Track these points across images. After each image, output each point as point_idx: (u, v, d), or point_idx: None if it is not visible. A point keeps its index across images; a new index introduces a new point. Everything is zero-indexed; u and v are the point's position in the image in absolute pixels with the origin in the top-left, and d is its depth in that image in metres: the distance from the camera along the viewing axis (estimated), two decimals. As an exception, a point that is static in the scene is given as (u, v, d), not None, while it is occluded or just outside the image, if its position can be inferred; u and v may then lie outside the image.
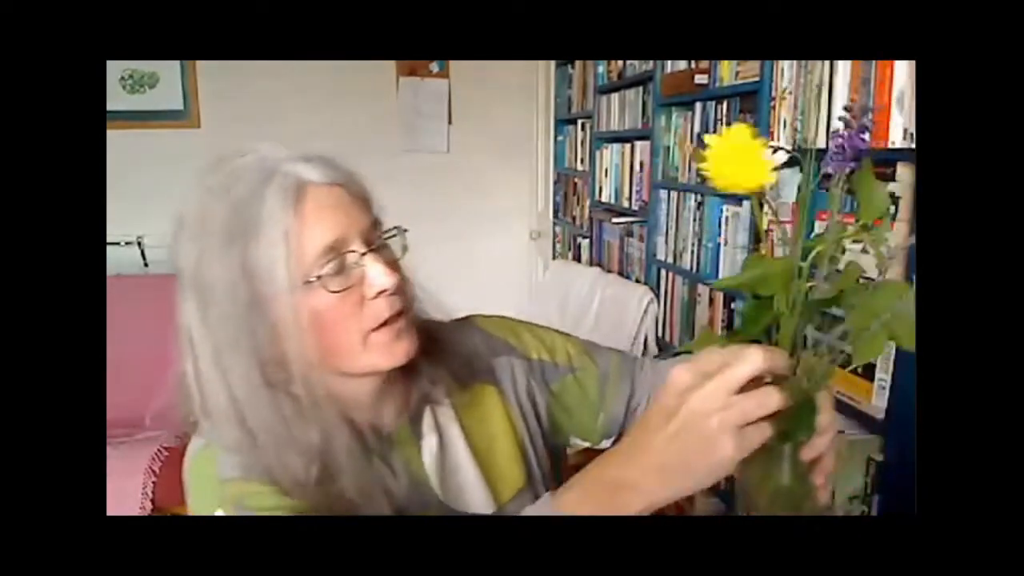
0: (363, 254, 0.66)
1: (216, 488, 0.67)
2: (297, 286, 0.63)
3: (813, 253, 0.56)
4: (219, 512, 0.65)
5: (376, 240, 0.68)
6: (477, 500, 0.76)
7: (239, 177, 0.64)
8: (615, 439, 0.86)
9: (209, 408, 0.66)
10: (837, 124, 0.54)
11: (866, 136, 0.54)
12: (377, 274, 0.65)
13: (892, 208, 0.55)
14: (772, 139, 1.47)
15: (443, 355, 0.77)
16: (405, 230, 0.72)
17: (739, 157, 0.53)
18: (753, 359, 0.51)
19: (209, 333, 0.65)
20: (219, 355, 0.65)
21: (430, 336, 0.76)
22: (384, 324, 0.67)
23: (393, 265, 0.68)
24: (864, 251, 0.60)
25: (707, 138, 0.54)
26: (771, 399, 0.51)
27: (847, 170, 0.56)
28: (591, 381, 0.85)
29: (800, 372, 0.57)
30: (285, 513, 0.64)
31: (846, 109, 0.55)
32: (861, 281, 0.58)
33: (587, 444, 0.91)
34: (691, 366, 0.53)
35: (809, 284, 0.57)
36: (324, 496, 0.67)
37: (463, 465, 0.77)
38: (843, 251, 0.56)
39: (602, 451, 0.59)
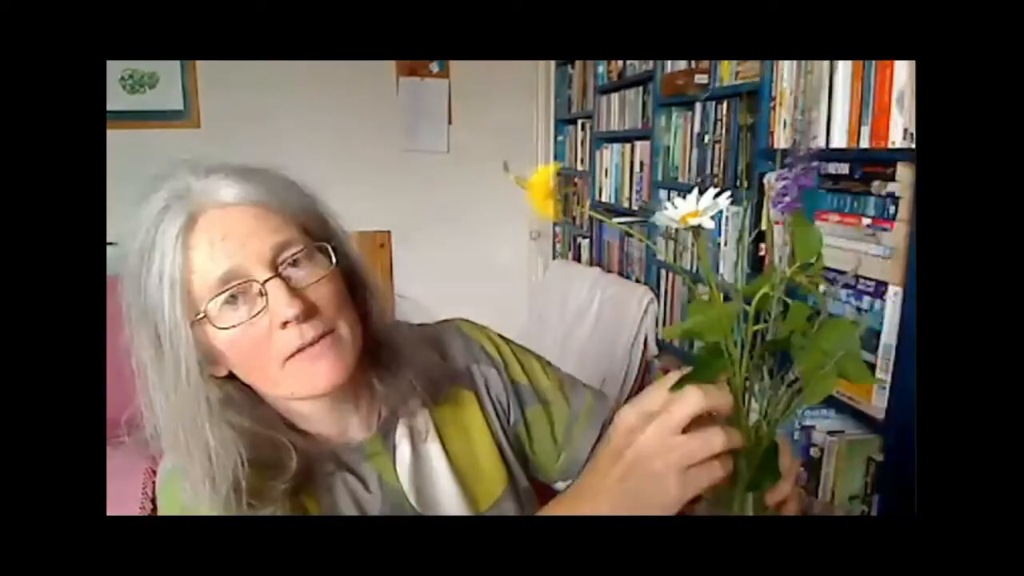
0: (264, 282, 0.62)
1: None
2: (187, 324, 0.61)
3: (758, 296, 0.56)
4: None
5: (286, 260, 0.63)
6: (453, 508, 0.75)
7: (148, 208, 0.64)
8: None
9: (157, 438, 0.67)
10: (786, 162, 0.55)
11: (812, 176, 0.54)
12: (279, 303, 0.61)
13: (821, 245, 0.57)
14: (772, 139, 1.47)
15: (421, 357, 0.74)
16: (328, 244, 0.67)
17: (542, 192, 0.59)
18: (692, 399, 0.51)
19: (138, 359, 0.65)
20: (145, 385, 0.65)
21: (402, 340, 0.74)
22: (299, 351, 0.63)
23: (312, 285, 0.64)
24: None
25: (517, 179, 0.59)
26: (716, 439, 0.51)
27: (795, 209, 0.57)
28: (560, 418, 0.83)
29: (758, 416, 0.58)
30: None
31: (788, 151, 0.56)
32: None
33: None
34: (635, 407, 0.53)
35: (756, 328, 0.57)
36: (288, 507, 0.65)
37: (440, 475, 0.75)
38: (786, 292, 0.56)
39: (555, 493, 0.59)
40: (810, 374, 0.55)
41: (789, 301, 0.57)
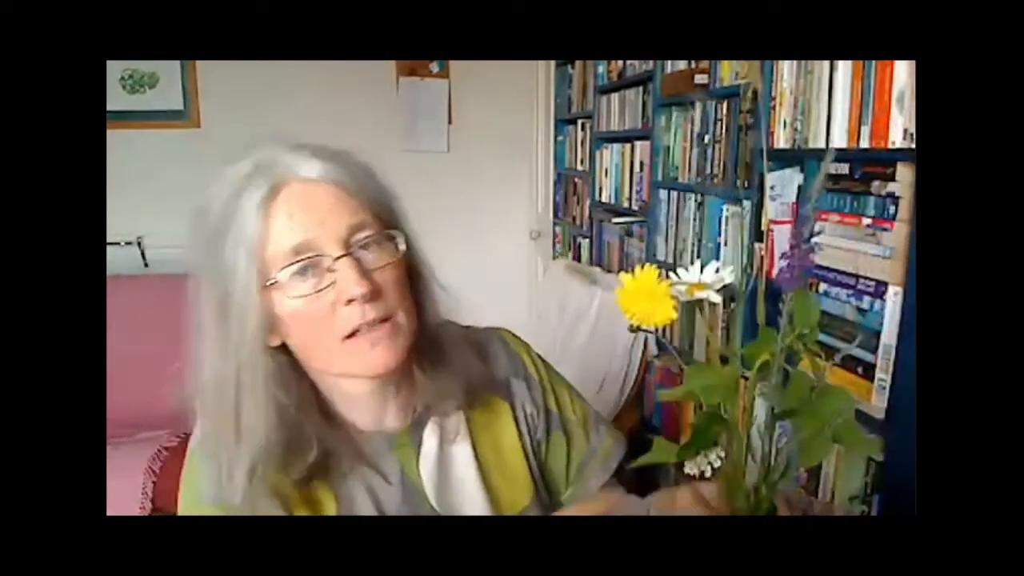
0: (336, 258, 0.63)
1: (195, 508, 0.67)
2: (258, 290, 0.62)
3: (758, 363, 0.58)
4: None
5: (358, 242, 0.65)
6: (478, 514, 0.75)
7: (234, 172, 0.65)
8: None
9: (195, 392, 0.68)
10: (786, 245, 0.59)
11: (814, 257, 0.57)
12: (347, 281, 0.63)
13: (819, 316, 0.60)
14: (773, 139, 1.47)
15: (465, 359, 0.76)
16: (400, 232, 0.69)
17: (647, 296, 0.57)
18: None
19: (198, 319, 0.67)
20: (202, 341, 0.66)
21: (451, 341, 0.75)
22: (358, 332, 0.65)
23: (378, 268, 0.65)
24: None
25: (621, 276, 0.58)
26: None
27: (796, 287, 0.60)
28: (577, 453, 0.84)
29: (756, 479, 0.60)
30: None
31: (795, 235, 0.59)
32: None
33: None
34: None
35: (757, 393, 0.60)
36: (301, 496, 0.67)
37: (467, 479, 0.75)
38: (786, 359, 0.58)
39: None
40: (808, 439, 0.57)
41: (789, 369, 0.58)
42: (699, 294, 0.58)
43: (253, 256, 0.62)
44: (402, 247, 0.68)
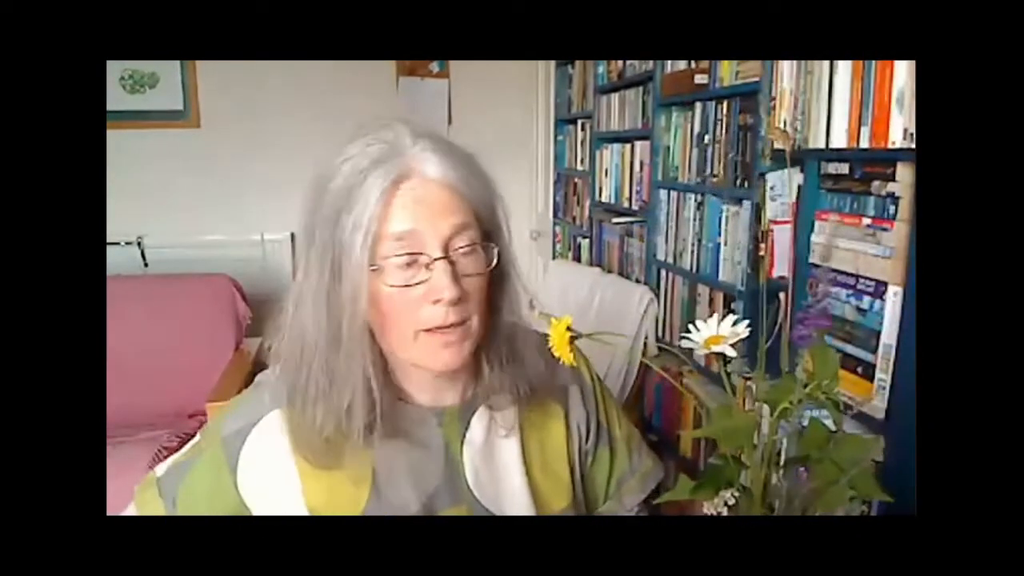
0: (435, 259, 0.67)
1: (213, 428, 0.76)
2: (365, 266, 0.66)
3: (779, 410, 0.61)
4: (194, 441, 0.74)
5: (458, 248, 0.68)
6: (518, 507, 0.77)
7: (363, 152, 0.68)
8: None
9: (283, 343, 0.71)
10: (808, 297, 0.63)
11: (828, 318, 0.61)
12: (440, 283, 0.66)
13: (838, 368, 0.64)
14: (772, 139, 1.47)
15: (531, 359, 0.78)
16: (495, 245, 0.72)
17: (558, 340, 0.62)
18: None
19: (302, 273, 0.70)
20: (301, 295, 0.69)
21: (521, 342, 0.78)
22: (436, 329, 0.68)
23: (469, 276, 0.69)
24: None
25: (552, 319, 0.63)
26: None
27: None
28: (618, 470, 0.86)
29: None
30: (210, 494, 0.74)
31: (808, 301, 0.61)
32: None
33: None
34: None
35: (774, 437, 0.62)
36: (334, 461, 0.71)
37: (512, 471, 0.77)
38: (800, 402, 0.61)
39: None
40: (824, 485, 0.60)
41: (808, 415, 0.61)
42: (715, 347, 0.60)
43: (368, 237, 0.65)
44: (494, 260, 0.71)
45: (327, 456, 0.71)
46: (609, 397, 0.88)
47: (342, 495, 0.72)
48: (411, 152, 0.68)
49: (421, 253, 0.67)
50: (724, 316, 0.63)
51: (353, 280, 0.66)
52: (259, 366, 0.78)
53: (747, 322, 0.61)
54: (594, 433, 0.85)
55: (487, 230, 0.72)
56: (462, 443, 0.77)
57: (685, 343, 0.63)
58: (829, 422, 0.63)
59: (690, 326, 0.62)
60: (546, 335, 0.84)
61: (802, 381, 0.61)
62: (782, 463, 0.64)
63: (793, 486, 0.62)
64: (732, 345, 0.60)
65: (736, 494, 0.62)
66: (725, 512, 0.61)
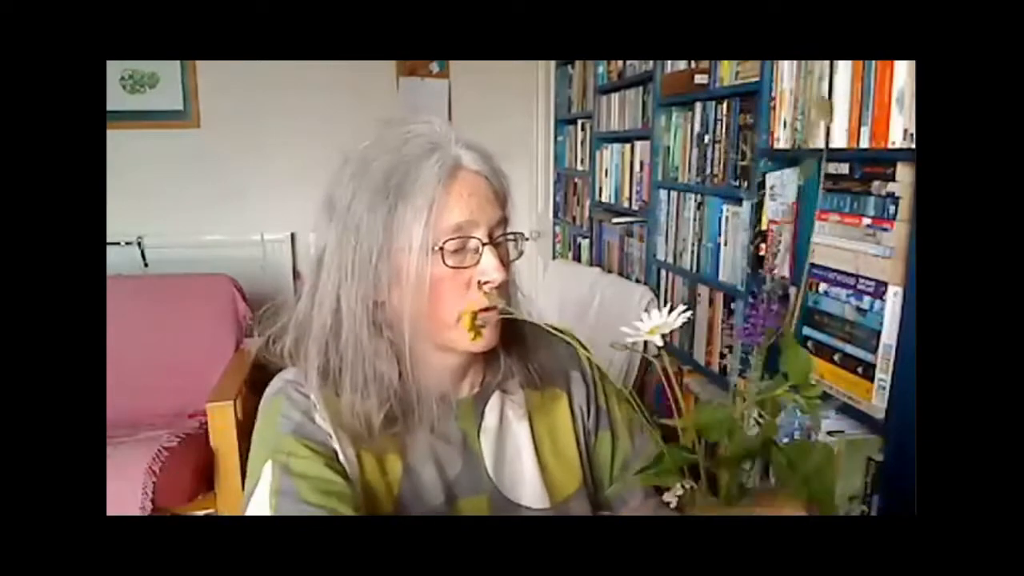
0: (484, 244, 0.71)
1: (273, 439, 0.72)
2: (426, 250, 0.69)
3: (756, 405, 0.63)
4: (268, 465, 0.69)
5: (497, 236, 0.73)
6: (532, 492, 0.80)
7: (408, 140, 0.71)
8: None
9: (312, 328, 0.73)
10: (755, 293, 0.62)
11: (778, 317, 0.61)
12: (489, 266, 0.71)
13: (811, 368, 0.63)
14: (772, 139, 1.47)
15: (530, 350, 0.82)
16: (526, 237, 0.77)
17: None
18: None
19: (340, 258, 0.71)
20: (342, 279, 0.71)
21: (524, 331, 0.81)
22: (481, 311, 0.71)
23: (505, 263, 0.73)
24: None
25: None
26: None
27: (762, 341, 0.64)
28: (621, 453, 0.88)
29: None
30: (324, 487, 0.68)
31: (753, 294, 0.60)
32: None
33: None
34: None
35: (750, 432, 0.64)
36: (379, 445, 0.73)
37: (525, 455, 0.81)
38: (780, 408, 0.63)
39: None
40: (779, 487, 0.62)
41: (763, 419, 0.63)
42: (650, 337, 0.61)
43: (431, 221, 0.68)
44: (523, 250, 0.77)
45: (376, 440, 0.72)
46: (608, 382, 0.91)
47: (383, 473, 0.74)
48: (453, 146, 0.72)
49: (472, 237, 0.71)
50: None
51: (417, 264, 0.69)
52: (258, 367, 0.78)
53: (686, 311, 0.61)
54: (594, 415, 0.88)
55: (509, 221, 0.76)
56: (479, 432, 0.79)
57: (628, 332, 0.62)
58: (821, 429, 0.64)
59: (643, 314, 0.63)
60: (543, 324, 0.86)
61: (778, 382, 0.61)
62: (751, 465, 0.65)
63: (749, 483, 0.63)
64: (663, 335, 0.60)
65: (687, 484, 0.63)
66: (674, 503, 0.63)
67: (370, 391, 0.72)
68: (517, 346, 0.82)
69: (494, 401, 0.81)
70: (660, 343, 0.60)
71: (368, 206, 0.70)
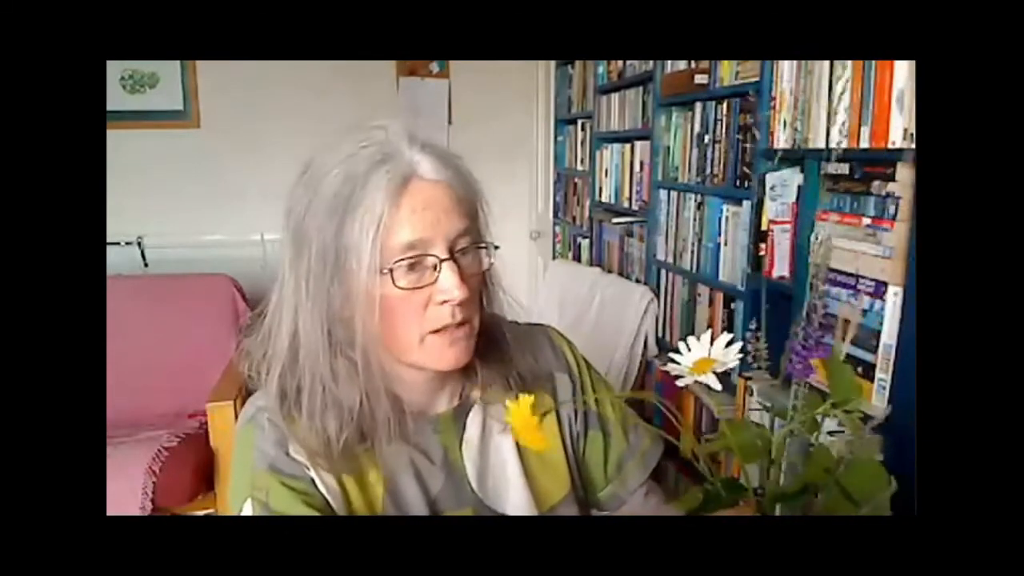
0: (442, 260, 0.67)
1: (249, 474, 0.70)
2: (374, 271, 0.65)
3: (787, 428, 0.62)
4: (248, 503, 0.68)
5: (459, 248, 0.68)
6: (518, 502, 0.77)
7: (359, 151, 0.67)
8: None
9: (274, 348, 0.70)
10: (795, 332, 0.61)
11: (824, 351, 0.60)
12: (448, 283, 0.67)
13: (857, 392, 0.64)
14: (772, 139, 1.47)
15: (511, 354, 0.79)
16: (496, 246, 0.72)
17: (524, 425, 0.60)
18: None
19: (293, 276, 0.68)
20: (297, 298, 0.68)
21: (503, 335, 0.79)
22: (442, 329, 0.68)
23: (470, 276, 0.69)
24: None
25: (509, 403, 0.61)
26: None
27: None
28: (615, 451, 0.86)
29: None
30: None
31: (798, 335, 0.61)
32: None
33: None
34: None
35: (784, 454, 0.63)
36: (349, 467, 0.70)
37: (509, 466, 0.78)
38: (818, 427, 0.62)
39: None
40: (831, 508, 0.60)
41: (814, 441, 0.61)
42: (701, 377, 0.58)
43: (378, 240, 0.65)
44: (489, 260, 0.72)
45: (341, 464, 0.70)
46: (598, 378, 0.88)
47: (364, 493, 0.72)
48: (408, 154, 0.68)
49: (428, 255, 0.67)
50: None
51: (365, 285, 0.65)
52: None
53: (739, 345, 0.59)
54: (582, 416, 0.85)
55: (479, 232, 0.72)
56: (460, 446, 0.77)
57: (672, 368, 0.60)
58: (836, 440, 0.63)
59: (681, 344, 0.60)
60: (525, 324, 0.84)
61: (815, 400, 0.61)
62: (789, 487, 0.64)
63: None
64: (717, 375, 0.58)
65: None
66: None
67: (328, 416, 0.69)
68: (496, 355, 0.78)
69: (475, 413, 0.78)
70: (718, 387, 0.58)
71: (319, 223, 0.66)
